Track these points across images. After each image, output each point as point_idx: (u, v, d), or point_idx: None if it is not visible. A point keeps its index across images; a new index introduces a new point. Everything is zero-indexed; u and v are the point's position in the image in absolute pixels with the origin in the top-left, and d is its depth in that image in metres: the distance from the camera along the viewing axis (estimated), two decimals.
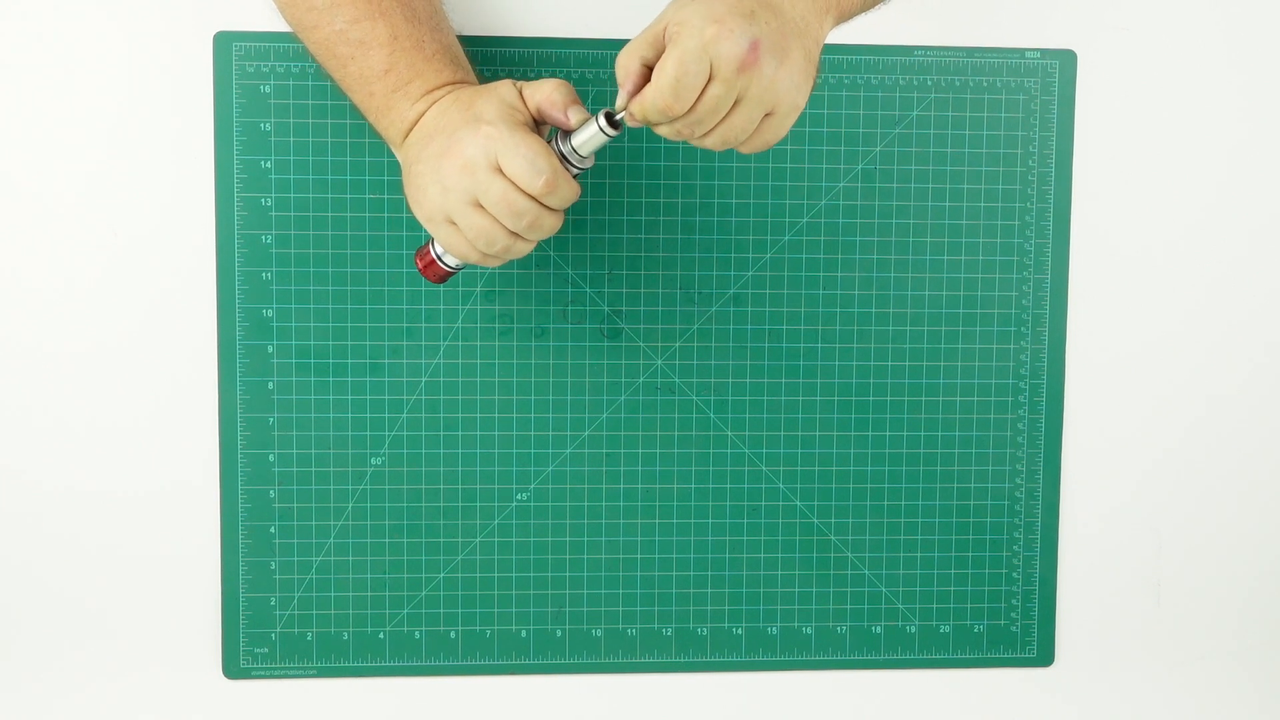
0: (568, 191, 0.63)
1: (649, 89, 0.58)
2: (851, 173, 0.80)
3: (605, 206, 0.79)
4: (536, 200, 0.63)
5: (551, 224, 0.64)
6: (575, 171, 0.64)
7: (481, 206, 0.63)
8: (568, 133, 0.64)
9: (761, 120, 0.61)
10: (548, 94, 0.63)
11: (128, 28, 0.77)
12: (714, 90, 0.58)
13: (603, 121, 0.62)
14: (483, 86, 0.66)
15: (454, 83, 0.66)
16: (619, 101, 0.61)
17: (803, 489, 0.82)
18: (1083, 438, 0.83)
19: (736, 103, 0.59)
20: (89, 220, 0.78)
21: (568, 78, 0.78)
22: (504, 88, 0.64)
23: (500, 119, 0.62)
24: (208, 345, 0.78)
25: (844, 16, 0.66)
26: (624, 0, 0.79)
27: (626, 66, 0.60)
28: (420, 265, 0.70)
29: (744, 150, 0.63)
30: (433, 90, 0.66)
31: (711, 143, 0.61)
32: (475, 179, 0.62)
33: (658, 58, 0.59)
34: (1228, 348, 0.84)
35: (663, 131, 0.61)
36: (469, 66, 0.68)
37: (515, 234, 0.64)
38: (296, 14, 0.66)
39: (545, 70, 0.78)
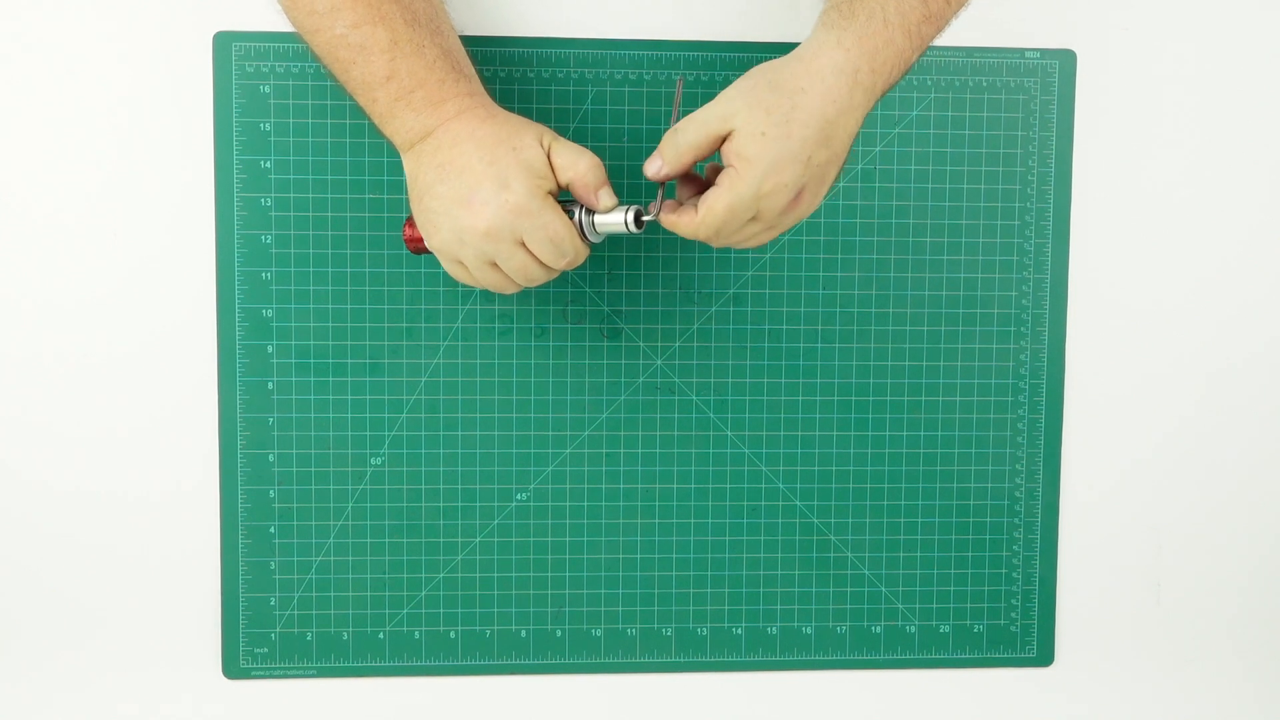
0: (581, 261, 0.67)
1: (695, 222, 0.63)
2: (851, 173, 0.80)
3: None
4: (551, 269, 0.66)
5: (554, 277, 0.68)
6: (589, 241, 0.67)
7: (496, 266, 0.65)
8: (591, 209, 0.66)
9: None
10: (581, 175, 0.65)
11: (128, 28, 0.77)
12: (753, 228, 0.64)
13: (630, 218, 0.66)
14: (505, 124, 0.65)
15: (460, 95, 0.66)
16: (650, 168, 0.64)
17: (803, 489, 0.82)
18: (1083, 438, 0.83)
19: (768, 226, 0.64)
20: (89, 220, 0.78)
21: (567, 78, 0.78)
22: (531, 150, 0.64)
23: (528, 192, 0.63)
24: (208, 345, 0.79)
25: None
26: (624, 0, 0.79)
27: (677, 161, 0.63)
28: (407, 234, 0.71)
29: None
30: (439, 104, 0.65)
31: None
32: (497, 247, 0.64)
33: (709, 149, 0.62)
34: (1227, 347, 0.84)
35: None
36: (472, 71, 0.68)
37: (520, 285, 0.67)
38: (299, 17, 0.66)
39: (545, 71, 0.78)
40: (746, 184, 0.61)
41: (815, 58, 0.62)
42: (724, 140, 0.62)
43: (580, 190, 0.65)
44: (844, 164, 0.64)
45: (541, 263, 0.65)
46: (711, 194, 0.62)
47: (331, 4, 0.64)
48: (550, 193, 0.65)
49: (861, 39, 0.62)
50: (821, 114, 0.61)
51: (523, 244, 0.64)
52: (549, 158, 0.65)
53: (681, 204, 0.65)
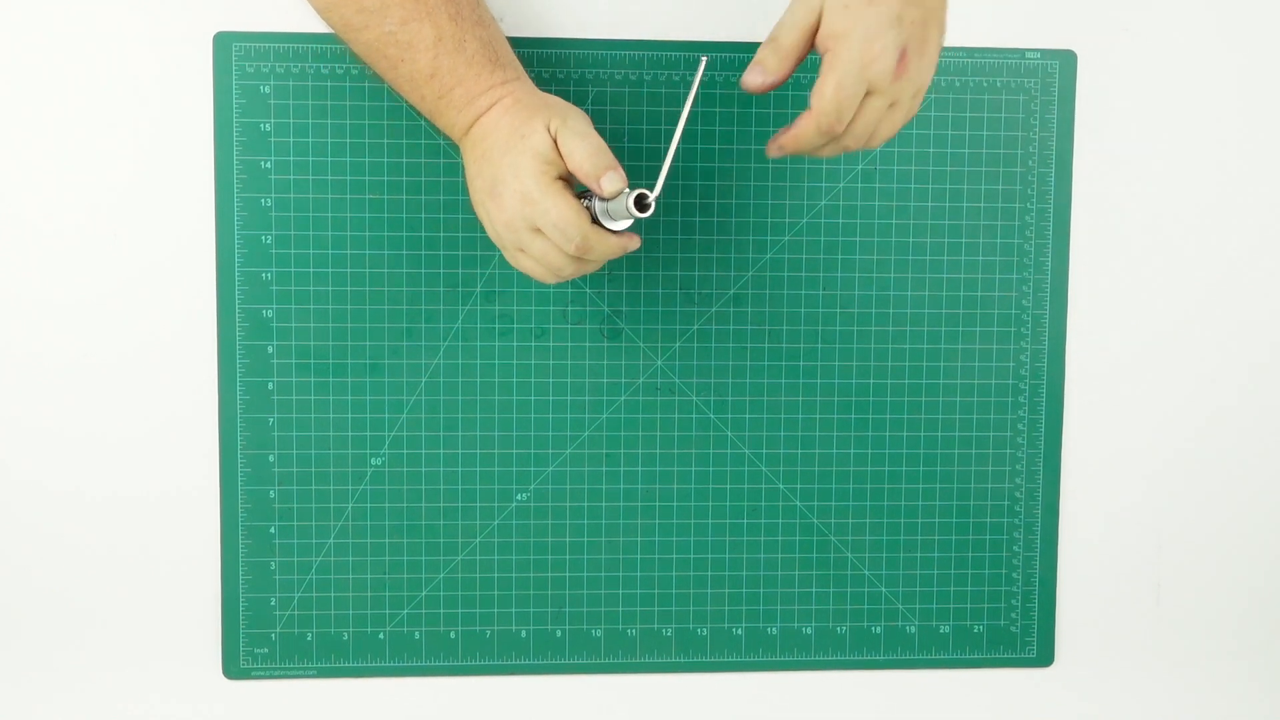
0: (604, 249, 0.65)
1: (811, 115, 0.61)
2: (851, 173, 0.80)
3: None
4: (580, 260, 0.66)
5: (593, 268, 0.67)
6: (614, 229, 0.66)
7: (526, 252, 0.66)
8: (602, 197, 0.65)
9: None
10: (579, 163, 0.64)
11: (128, 28, 0.77)
12: (873, 104, 0.62)
13: (631, 204, 0.63)
14: (523, 111, 0.66)
15: (493, 86, 0.67)
16: (753, 79, 0.62)
17: (803, 489, 0.82)
18: (1083, 438, 0.83)
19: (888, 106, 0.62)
20: (88, 221, 0.78)
21: (567, 78, 0.78)
22: (537, 135, 0.64)
23: (534, 177, 0.64)
24: (208, 346, 0.79)
25: None
26: (624, 0, 0.79)
27: (781, 68, 0.62)
28: None
29: (876, 145, 0.65)
30: (475, 98, 0.66)
31: (869, 145, 0.65)
32: (518, 235, 0.65)
33: (806, 45, 0.62)
34: (1228, 347, 0.84)
35: (823, 151, 0.64)
36: (512, 57, 0.69)
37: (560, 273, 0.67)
38: (345, 14, 0.66)
39: (545, 71, 0.78)
40: (847, 57, 0.60)
41: None
42: (816, 32, 0.61)
43: (583, 178, 0.65)
44: (944, 24, 0.63)
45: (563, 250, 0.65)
46: (817, 83, 0.61)
47: (383, 0, 0.64)
48: (560, 177, 0.65)
49: None
50: None
51: (539, 231, 0.65)
52: (556, 143, 0.65)
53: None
